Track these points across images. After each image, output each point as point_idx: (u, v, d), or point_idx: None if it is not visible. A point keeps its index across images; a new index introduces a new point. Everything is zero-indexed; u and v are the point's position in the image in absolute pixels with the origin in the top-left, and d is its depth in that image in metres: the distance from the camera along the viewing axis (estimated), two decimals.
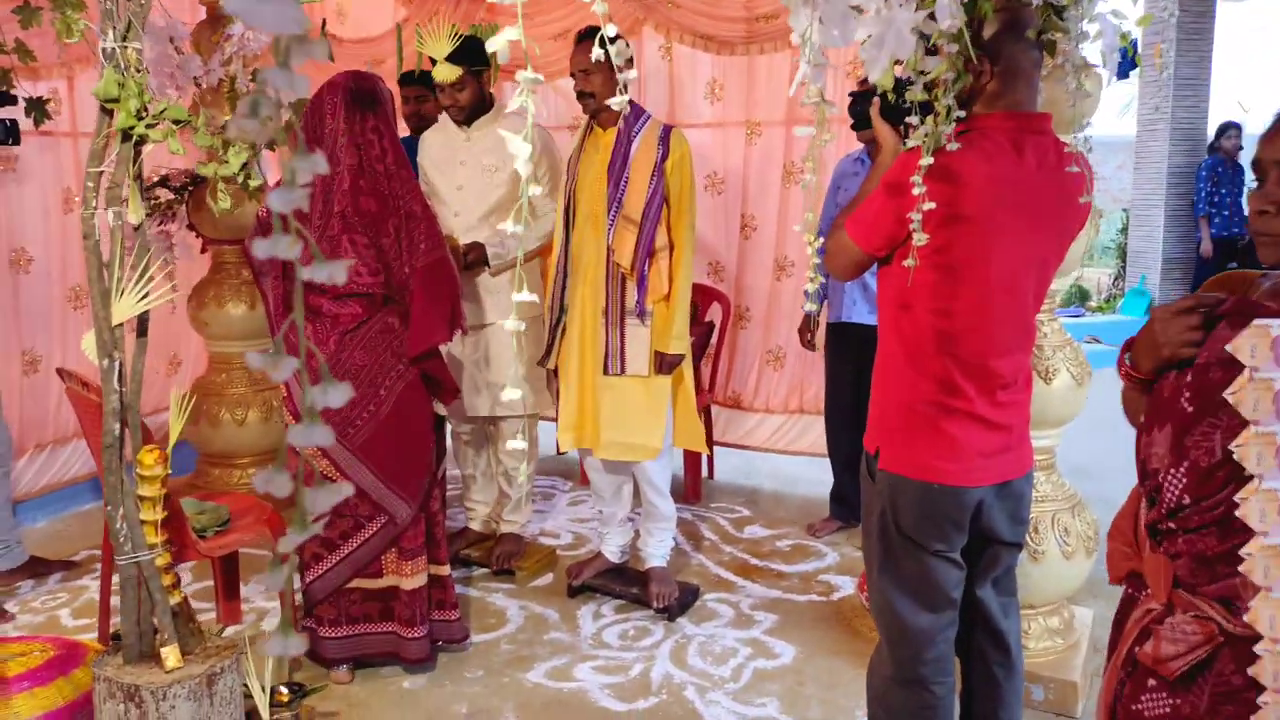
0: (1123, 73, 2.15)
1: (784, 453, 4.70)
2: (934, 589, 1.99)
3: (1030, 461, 2.04)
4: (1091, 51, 1.85)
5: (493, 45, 0.90)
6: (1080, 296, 9.86)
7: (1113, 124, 9.04)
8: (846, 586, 3.48)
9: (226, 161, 2.20)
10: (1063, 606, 2.83)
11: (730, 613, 3.29)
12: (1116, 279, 10.26)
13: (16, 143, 2.94)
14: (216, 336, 4.15)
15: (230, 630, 3.09)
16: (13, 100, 2.94)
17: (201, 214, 3.98)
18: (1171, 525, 1.28)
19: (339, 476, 2.64)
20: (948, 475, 1.91)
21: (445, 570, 2.85)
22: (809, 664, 2.95)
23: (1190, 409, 1.25)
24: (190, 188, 4.00)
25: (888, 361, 2.01)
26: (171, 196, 3.98)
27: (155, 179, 3.91)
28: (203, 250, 4.19)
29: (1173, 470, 1.28)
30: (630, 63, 3.00)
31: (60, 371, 2.84)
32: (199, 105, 3.96)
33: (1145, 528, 1.33)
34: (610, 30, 1.01)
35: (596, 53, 1.01)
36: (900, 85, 2.00)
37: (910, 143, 1.80)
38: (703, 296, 4.49)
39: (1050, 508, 2.70)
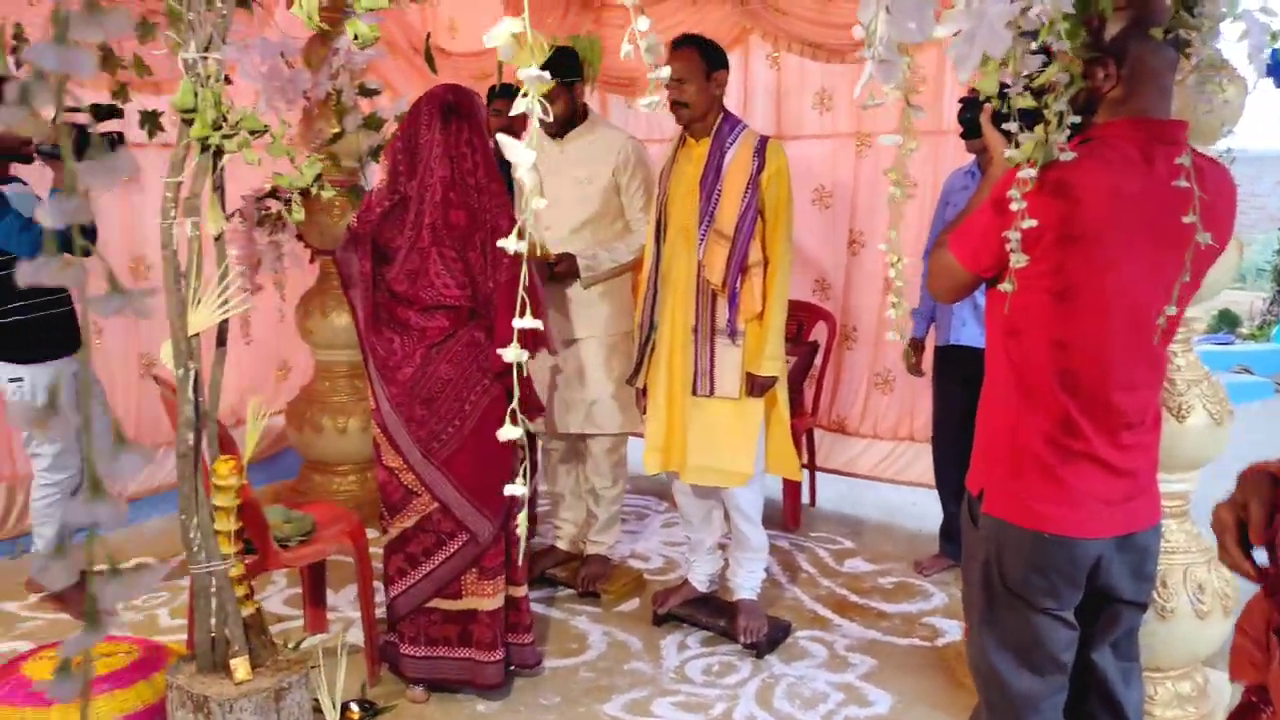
0: (1276, 75, 1.89)
1: (891, 482, 4.46)
2: (1040, 650, 1.79)
3: (1158, 512, 1.82)
4: (1237, 53, 1.62)
5: (491, 39, 0.80)
6: (1230, 323, 9.13)
7: (1267, 136, 8.33)
8: (953, 632, 3.24)
9: (300, 173, 2.19)
10: (1195, 670, 2.53)
11: (823, 653, 3.10)
12: (1272, 304, 9.49)
13: None
14: (321, 345, 4.22)
15: (315, 639, 3.10)
16: (119, 113, 3.04)
17: (310, 224, 4.06)
18: None
19: (424, 491, 2.62)
20: (1062, 524, 1.72)
21: (521, 592, 2.78)
22: (906, 715, 2.74)
23: None
24: (300, 198, 4.08)
25: (995, 393, 1.83)
26: (281, 207, 4.08)
27: (266, 189, 4.00)
28: (311, 260, 4.27)
29: None
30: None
31: (155, 377, 2.91)
32: (309, 118, 4.05)
33: (1274, 632, 1.11)
34: (642, 24, 0.89)
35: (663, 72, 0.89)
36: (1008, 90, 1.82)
37: (1012, 155, 1.62)
38: (807, 315, 4.31)
39: (1182, 560, 2.42)
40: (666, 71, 0.92)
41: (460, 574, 2.65)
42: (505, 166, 3.47)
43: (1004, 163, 1.81)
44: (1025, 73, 1.42)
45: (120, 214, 4.12)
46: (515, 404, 0.87)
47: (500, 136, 0.82)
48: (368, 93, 3.86)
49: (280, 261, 4.05)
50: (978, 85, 1.77)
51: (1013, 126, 1.47)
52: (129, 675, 2.39)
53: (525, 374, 2.91)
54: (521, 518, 0.96)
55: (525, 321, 0.85)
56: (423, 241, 2.59)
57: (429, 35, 4.00)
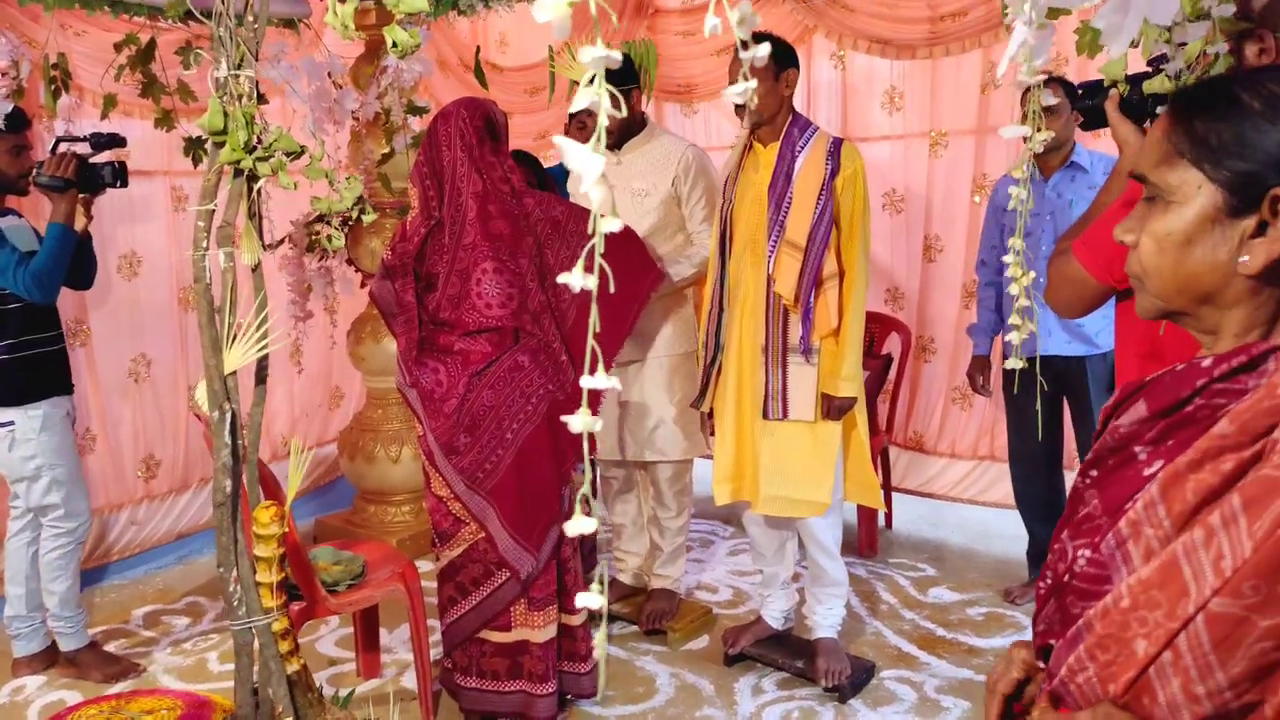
0: None
1: (972, 503, 4.18)
2: None
3: None
4: None
5: (542, 10, 0.61)
6: None
7: None
8: None
9: (340, 196, 2.04)
10: None
11: (912, 696, 2.84)
12: None
13: (124, 184, 2.93)
14: (373, 371, 4.09)
15: (367, 685, 2.95)
16: (121, 142, 2.92)
17: (360, 249, 3.94)
18: None
19: (471, 520, 2.54)
20: None
21: (577, 620, 2.66)
22: None
23: None
24: (350, 223, 3.97)
25: None
26: (331, 232, 3.96)
27: (315, 214, 3.89)
28: (362, 285, 4.15)
29: None
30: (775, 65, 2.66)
31: (197, 415, 2.78)
32: (358, 139, 3.93)
33: None
34: (760, 50, 0.69)
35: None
36: (1139, 76, 1.59)
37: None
38: (880, 326, 4.07)
39: None
40: (765, 49, 0.72)
41: (509, 605, 2.57)
42: (564, 182, 3.32)
43: (1134, 156, 1.58)
44: (1178, 41, 1.19)
45: (167, 242, 4.04)
46: (585, 490, 0.68)
47: (559, 139, 0.63)
48: (416, 110, 3.72)
49: (331, 287, 3.93)
50: (1103, 69, 1.54)
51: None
52: None
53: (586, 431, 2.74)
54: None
55: (598, 380, 0.66)
56: (461, 263, 2.52)
57: (478, 50, 3.86)
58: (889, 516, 4.16)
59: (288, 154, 1.88)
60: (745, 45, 0.71)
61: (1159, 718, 0.83)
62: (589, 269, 0.67)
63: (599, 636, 0.71)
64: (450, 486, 2.53)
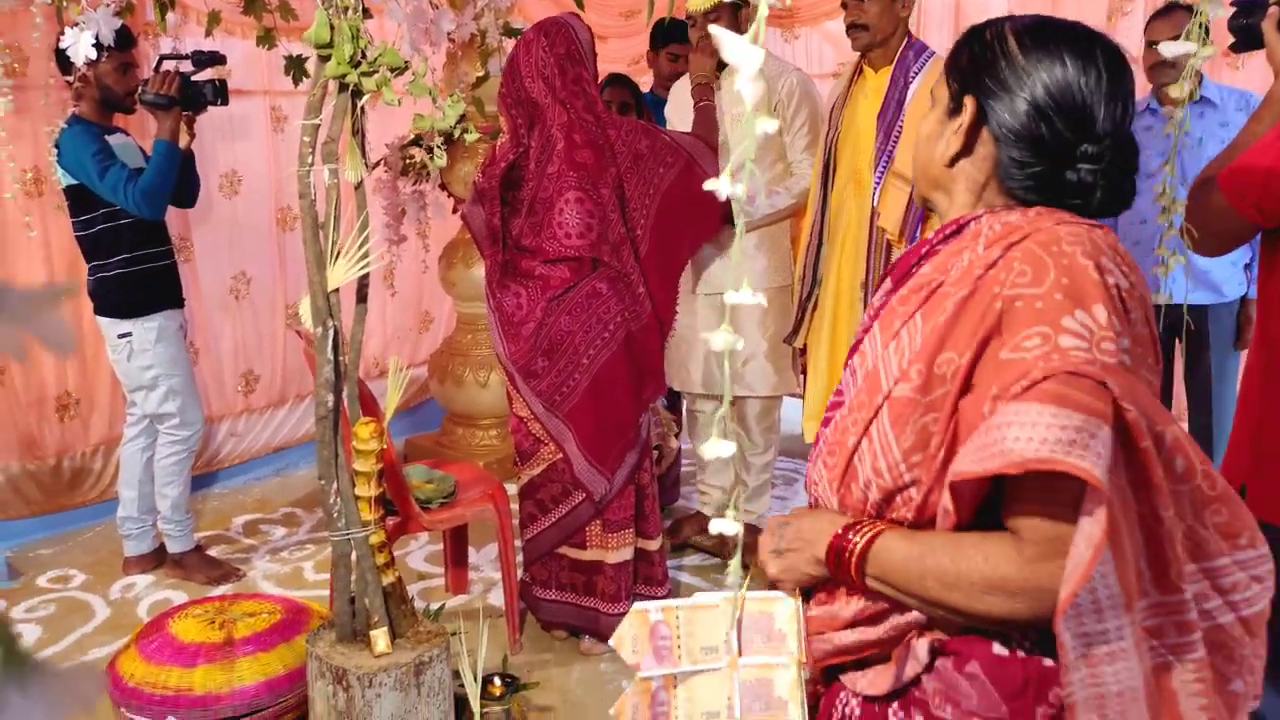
0: None
1: None
2: None
3: None
4: None
5: None
6: None
7: None
8: None
9: (443, 114, 2.01)
10: None
11: None
12: None
13: (225, 102, 2.97)
14: (464, 297, 4.11)
15: (456, 601, 3.02)
16: (221, 60, 2.94)
17: (453, 174, 3.93)
18: None
19: (550, 442, 2.61)
20: None
21: (654, 545, 2.75)
22: None
23: None
24: (444, 146, 3.96)
25: (1271, 369, 1.48)
26: (424, 155, 3.96)
27: (410, 137, 3.89)
28: (454, 210, 4.16)
29: None
30: None
31: (298, 331, 2.84)
32: (454, 60, 3.89)
33: None
34: None
35: None
36: None
37: None
38: None
39: None
40: None
41: (585, 524, 2.64)
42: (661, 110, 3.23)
43: None
44: None
45: (266, 162, 4.09)
46: (725, 410, 0.64)
47: (715, 29, 0.58)
48: (512, 32, 3.66)
49: (424, 212, 3.94)
50: None
51: None
52: (271, 638, 2.33)
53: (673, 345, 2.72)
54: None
55: (743, 296, 0.61)
56: (545, 191, 2.53)
57: None
58: None
59: (392, 70, 1.86)
60: None
61: (855, 500, 1.01)
62: (736, 177, 0.62)
63: (733, 569, 0.68)
64: (530, 407, 2.59)
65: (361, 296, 2.08)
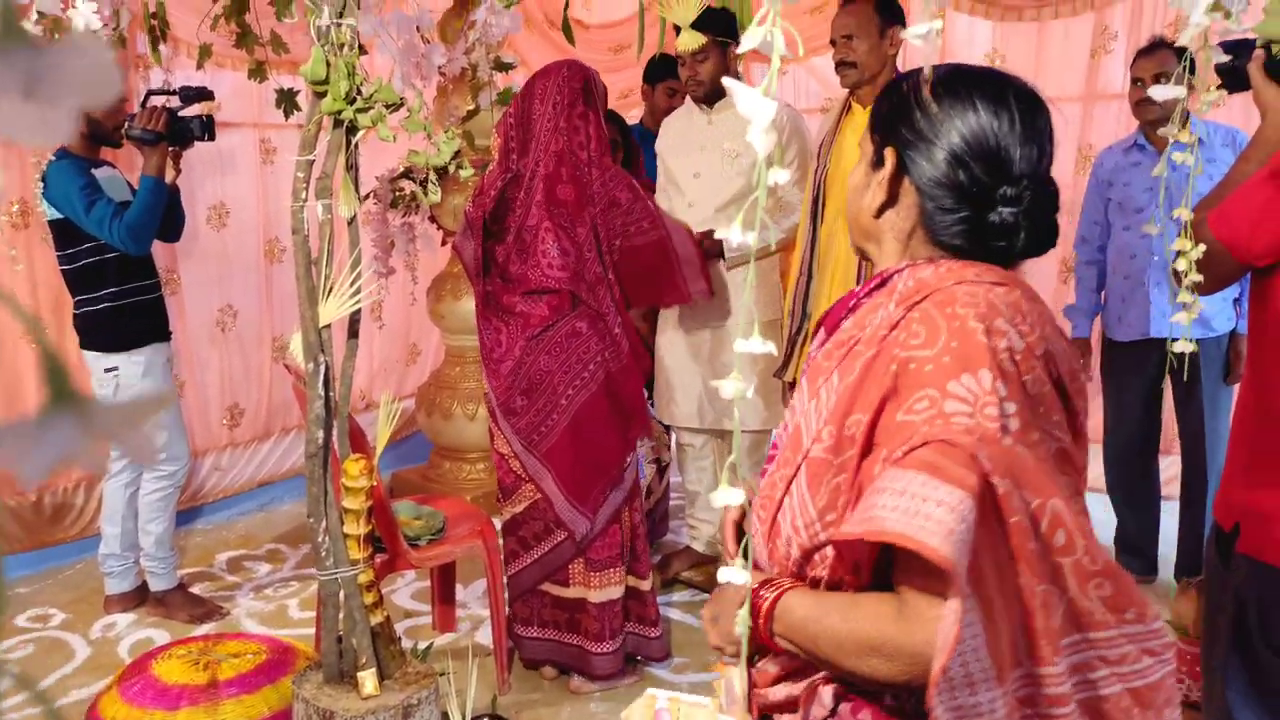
0: None
1: None
2: None
3: None
4: None
5: (749, 42, 0.57)
6: None
7: None
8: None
9: (438, 149, 2.01)
10: None
11: None
12: None
13: (212, 138, 2.96)
14: (452, 330, 4.10)
15: (443, 639, 2.98)
16: (209, 95, 2.93)
17: (443, 206, 3.93)
18: None
19: (529, 481, 2.60)
20: None
21: (646, 584, 2.72)
22: None
23: None
24: (436, 178, 3.96)
25: (1262, 406, 1.49)
26: (416, 188, 3.96)
27: (400, 170, 3.89)
28: (443, 243, 4.15)
29: None
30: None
31: (287, 366, 2.81)
32: (445, 94, 3.91)
33: None
34: None
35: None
36: None
37: None
38: None
39: None
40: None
41: (568, 563, 2.63)
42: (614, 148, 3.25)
43: None
44: None
45: (255, 195, 4.08)
46: (734, 459, 0.63)
47: (729, 81, 0.58)
48: (503, 67, 3.68)
49: (413, 244, 3.93)
50: (1259, 28, 1.43)
51: None
52: (256, 679, 2.28)
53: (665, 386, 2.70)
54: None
55: (752, 345, 0.61)
56: (532, 219, 2.56)
57: (567, 5, 3.79)
58: None
59: (387, 106, 1.86)
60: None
61: (780, 555, 1.02)
62: (749, 226, 0.62)
63: (741, 620, 0.67)
64: (510, 444, 2.60)
65: (353, 332, 2.07)
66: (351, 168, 1.95)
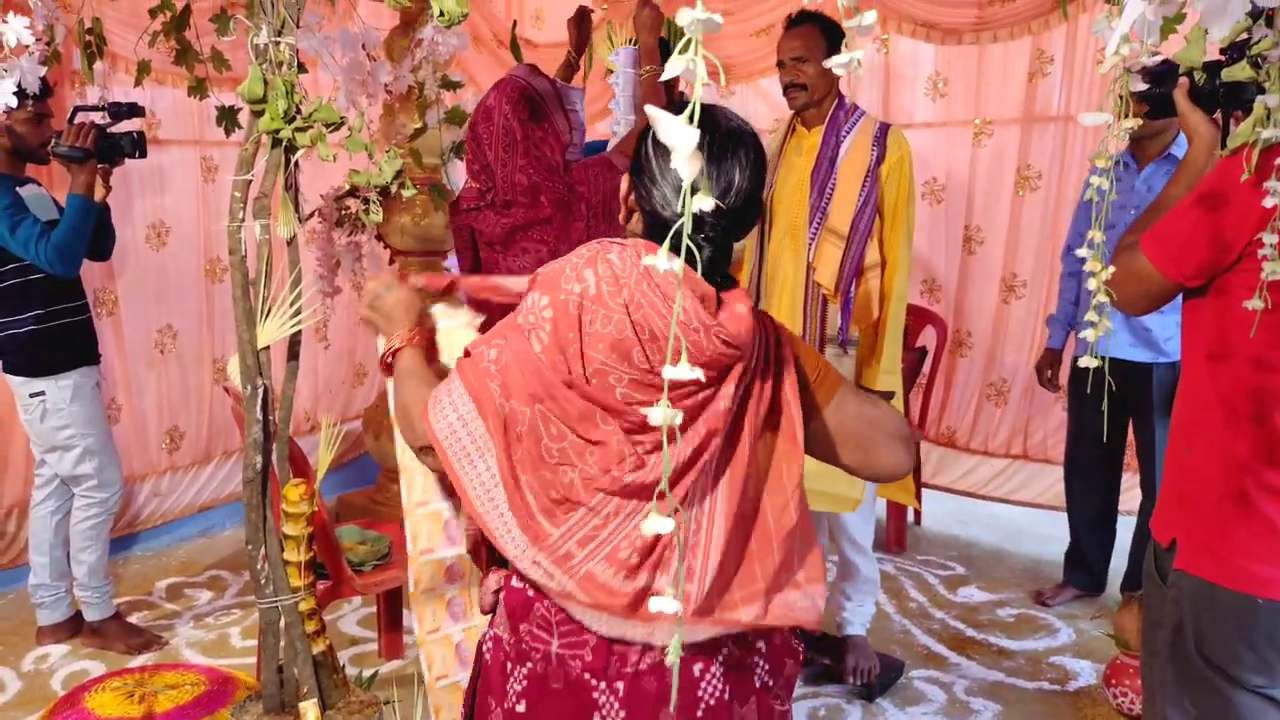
0: None
1: (1004, 501, 4.11)
2: None
3: None
4: None
5: (672, 70, 0.57)
6: None
7: None
8: (1085, 674, 2.90)
9: (380, 169, 1.99)
10: None
11: (941, 697, 2.79)
12: None
13: (143, 155, 2.87)
14: None
15: (390, 665, 2.92)
16: (140, 112, 2.85)
17: (390, 225, 3.89)
18: None
19: None
20: None
21: None
22: None
23: None
24: (380, 200, 3.92)
25: (1194, 423, 1.52)
26: (363, 207, 3.91)
27: (345, 188, 3.85)
28: (390, 261, 4.11)
29: None
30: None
31: (226, 389, 2.75)
32: (391, 112, 3.88)
33: None
34: (866, 18, 0.64)
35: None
36: (1214, 64, 1.51)
37: (1239, 135, 1.33)
38: (915, 318, 3.99)
39: None
40: (872, 16, 0.66)
41: None
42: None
43: (1209, 148, 1.51)
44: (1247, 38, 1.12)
45: (196, 213, 4.00)
46: (663, 486, 0.62)
47: (653, 110, 0.57)
48: (450, 85, 3.66)
49: (360, 263, 3.88)
50: (1180, 55, 1.47)
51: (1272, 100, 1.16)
52: (194, 711, 2.22)
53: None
54: None
55: (680, 371, 0.60)
56: (516, 244, 2.53)
57: (515, 24, 3.79)
58: (919, 513, 4.09)
59: (327, 125, 1.84)
60: (855, 11, 0.65)
61: None
62: (675, 252, 0.62)
63: (673, 649, 0.66)
64: None
65: (293, 354, 2.03)
66: (290, 187, 1.91)
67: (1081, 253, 1.17)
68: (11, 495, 3.48)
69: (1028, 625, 3.22)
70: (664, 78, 0.61)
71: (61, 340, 2.87)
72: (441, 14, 1.66)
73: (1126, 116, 1.11)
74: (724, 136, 1.18)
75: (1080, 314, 3.19)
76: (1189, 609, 1.50)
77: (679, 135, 0.57)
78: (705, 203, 0.59)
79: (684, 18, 0.57)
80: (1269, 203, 1.16)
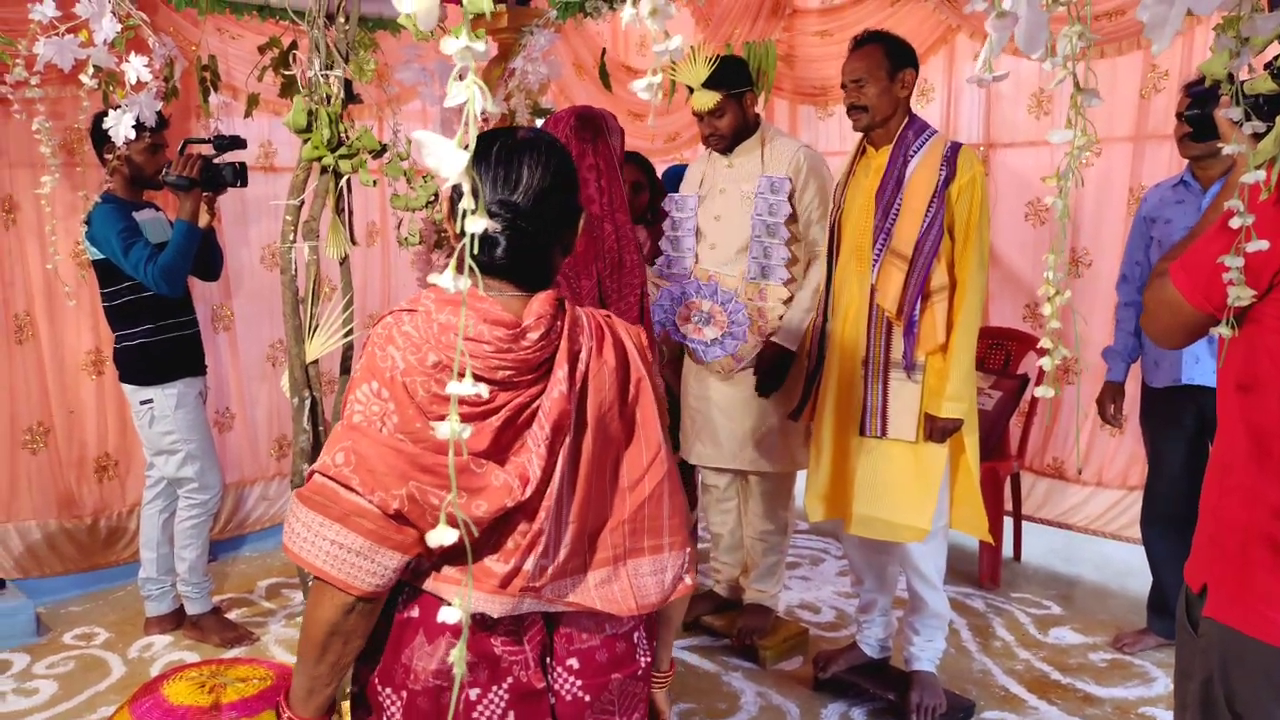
0: None
1: (1115, 538, 3.86)
2: None
3: None
4: None
5: (639, 92, 0.61)
6: None
7: None
8: None
9: (417, 193, 2.08)
10: None
11: None
12: None
13: (244, 184, 3.08)
14: None
15: None
16: (242, 144, 3.04)
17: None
18: None
19: None
20: None
21: None
22: None
23: None
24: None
25: (1226, 463, 1.41)
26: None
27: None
28: None
29: None
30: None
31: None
32: None
33: None
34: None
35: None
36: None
37: (1261, 151, 1.23)
38: (1018, 344, 3.82)
39: None
40: (678, 40, 0.66)
41: None
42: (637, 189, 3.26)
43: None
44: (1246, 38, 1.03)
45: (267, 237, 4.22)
46: (451, 498, 0.64)
47: (419, 134, 0.59)
48: (541, 113, 3.77)
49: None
50: (1203, 68, 1.37)
51: (1235, 114, 1.07)
52: (255, 704, 2.34)
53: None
54: None
55: (464, 387, 0.61)
56: None
57: (604, 52, 3.87)
58: (1017, 547, 3.89)
59: (370, 152, 1.94)
60: (666, 35, 0.65)
61: None
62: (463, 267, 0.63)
63: (456, 657, 0.67)
64: None
65: (345, 368, 2.14)
66: (341, 210, 2.03)
67: (1049, 275, 1.10)
68: (135, 494, 3.78)
69: (1120, 672, 3.01)
70: (640, 93, 0.64)
71: (170, 352, 3.12)
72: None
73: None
74: (514, 144, 1.24)
75: (1147, 343, 3.00)
76: (1218, 660, 1.38)
77: (446, 159, 0.58)
78: (478, 224, 0.60)
79: (448, 46, 0.59)
80: (1235, 223, 1.07)
